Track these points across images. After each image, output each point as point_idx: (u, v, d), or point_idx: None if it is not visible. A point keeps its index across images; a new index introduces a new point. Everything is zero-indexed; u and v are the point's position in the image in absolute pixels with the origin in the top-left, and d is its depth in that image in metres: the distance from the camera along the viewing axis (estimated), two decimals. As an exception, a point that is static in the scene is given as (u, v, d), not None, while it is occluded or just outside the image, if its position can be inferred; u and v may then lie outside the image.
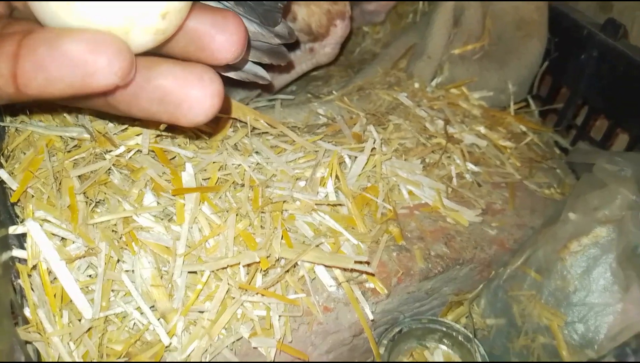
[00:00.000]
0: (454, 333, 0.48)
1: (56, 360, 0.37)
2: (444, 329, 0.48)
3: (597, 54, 0.62)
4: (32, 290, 0.38)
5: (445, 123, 0.59)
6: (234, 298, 0.40)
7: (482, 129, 0.61)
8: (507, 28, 0.66)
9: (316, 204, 0.46)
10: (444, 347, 0.49)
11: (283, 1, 0.41)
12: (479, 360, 0.46)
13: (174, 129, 0.47)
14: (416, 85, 0.64)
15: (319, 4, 0.59)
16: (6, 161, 0.41)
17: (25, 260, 0.38)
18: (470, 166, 0.57)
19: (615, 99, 0.62)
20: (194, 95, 0.29)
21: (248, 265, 0.41)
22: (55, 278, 0.38)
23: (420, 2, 0.78)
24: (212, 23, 0.31)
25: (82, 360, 0.37)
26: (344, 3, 0.61)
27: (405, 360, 0.48)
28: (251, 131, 0.50)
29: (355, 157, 0.50)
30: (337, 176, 0.48)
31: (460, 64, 0.65)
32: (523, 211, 0.55)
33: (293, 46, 0.67)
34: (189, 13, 0.31)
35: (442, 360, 0.48)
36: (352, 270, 0.43)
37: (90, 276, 0.40)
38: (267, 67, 0.45)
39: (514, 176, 0.58)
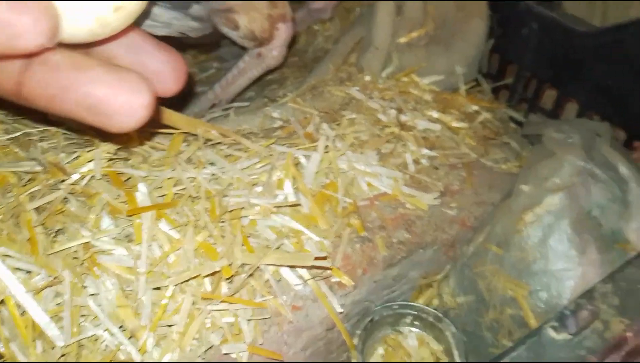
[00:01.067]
0: (424, 315, 0.49)
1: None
2: (415, 312, 0.49)
3: (537, 27, 0.64)
4: (3, 324, 0.39)
5: (398, 112, 0.60)
6: (200, 309, 0.40)
7: (435, 114, 0.62)
8: (448, 11, 0.67)
9: (275, 206, 0.47)
10: (416, 330, 0.50)
11: None
12: (450, 338, 0.47)
13: (126, 152, 0.47)
14: (367, 78, 0.65)
15: (259, 10, 0.60)
16: (-39, 203, 0.42)
17: (-9, 297, 0.39)
18: (425, 151, 0.58)
19: (560, 69, 0.64)
20: (128, 106, 0.28)
21: (212, 275, 0.42)
22: (24, 311, 0.39)
23: (365, -5, 0.79)
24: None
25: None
26: (284, 4, 0.62)
27: (380, 348, 0.49)
28: (204, 143, 0.50)
29: (310, 156, 0.51)
30: (294, 177, 0.49)
31: (408, 52, 0.67)
32: (481, 189, 0.57)
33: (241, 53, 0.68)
34: None
35: (416, 344, 0.50)
36: (312, 267, 0.44)
37: (58, 304, 0.40)
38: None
39: (470, 156, 0.60)
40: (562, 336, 0.33)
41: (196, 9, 0.40)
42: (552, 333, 0.34)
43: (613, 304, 0.36)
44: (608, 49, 0.58)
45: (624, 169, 0.51)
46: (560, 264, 0.47)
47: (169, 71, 0.34)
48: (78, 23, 0.27)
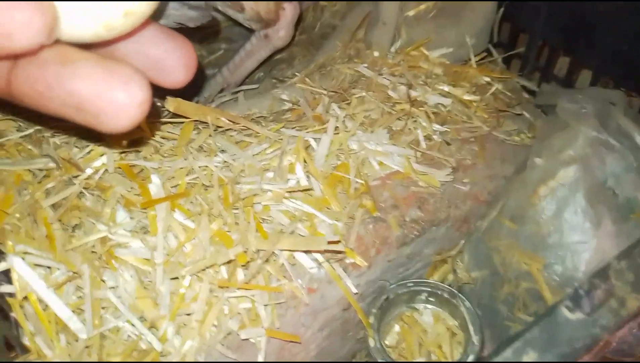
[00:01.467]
0: (439, 292, 0.49)
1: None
2: (429, 289, 0.50)
3: (549, -7, 0.62)
4: (27, 319, 0.40)
5: (408, 88, 0.60)
6: (217, 296, 0.41)
7: (446, 87, 0.61)
8: (457, -19, 0.66)
9: (287, 191, 0.47)
10: (431, 306, 0.51)
11: None
12: (465, 313, 0.47)
13: (138, 143, 0.48)
14: (376, 53, 0.65)
15: (264, -8, 0.60)
16: (-21, 202, 0.43)
17: (14, 294, 0.40)
18: (437, 126, 0.57)
19: (572, 36, 0.62)
20: (118, 104, 0.25)
21: (228, 262, 0.42)
22: (46, 306, 0.40)
23: (371, -32, 0.77)
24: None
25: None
26: (288, -16, 0.62)
27: (396, 325, 0.50)
28: (214, 130, 0.51)
29: (320, 139, 0.51)
30: (305, 161, 0.49)
31: (416, 25, 0.65)
32: (494, 162, 0.56)
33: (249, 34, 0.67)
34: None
35: (432, 320, 0.50)
36: (326, 251, 0.44)
37: (79, 297, 0.41)
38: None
39: (482, 129, 0.59)
40: (577, 315, 0.34)
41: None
42: (566, 312, 0.34)
43: (628, 280, 0.35)
44: (621, 13, 0.57)
45: (639, 138, 0.50)
46: (575, 237, 0.47)
47: (177, 60, 0.32)
48: (83, 27, 0.25)
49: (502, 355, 0.32)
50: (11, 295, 0.40)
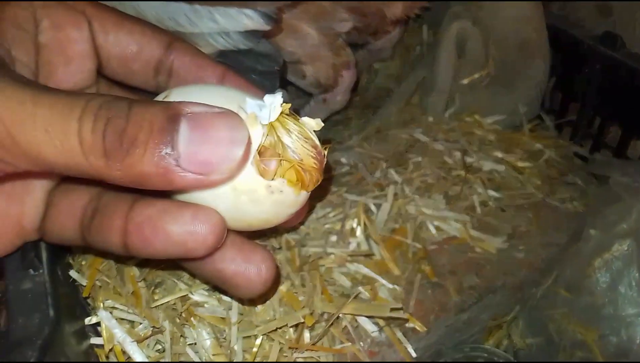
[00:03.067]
0: (495, 358, 0.51)
1: None
2: (486, 355, 0.51)
3: (600, 66, 0.64)
4: (111, 370, 0.44)
5: (463, 154, 0.62)
6: (286, 356, 0.44)
7: (499, 154, 0.64)
8: (510, 52, 0.69)
9: (349, 255, 0.50)
10: (487, 372, 0.52)
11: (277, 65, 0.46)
12: (522, 382, 0.49)
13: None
14: (430, 119, 0.68)
15: (324, 60, 0.64)
16: (73, 260, 0.47)
17: (102, 345, 0.43)
18: (492, 192, 0.60)
19: (624, 108, 0.64)
20: (251, 281, 0.34)
21: (297, 325, 0.45)
22: (129, 357, 0.43)
23: (425, 34, 0.81)
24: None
25: None
26: (347, 53, 0.66)
27: (452, 389, 0.51)
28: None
29: (380, 204, 0.54)
30: (365, 224, 0.52)
31: (470, 93, 0.69)
32: (548, 230, 0.58)
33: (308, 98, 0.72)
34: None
35: (487, 385, 0.51)
36: (389, 318, 0.46)
37: (158, 351, 0.44)
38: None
39: (536, 196, 0.61)
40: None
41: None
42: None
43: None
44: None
45: (694, 213, 0.51)
46: (629, 309, 0.48)
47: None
48: (235, 226, 0.33)
49: None
50: (99, 346, 0.44)
